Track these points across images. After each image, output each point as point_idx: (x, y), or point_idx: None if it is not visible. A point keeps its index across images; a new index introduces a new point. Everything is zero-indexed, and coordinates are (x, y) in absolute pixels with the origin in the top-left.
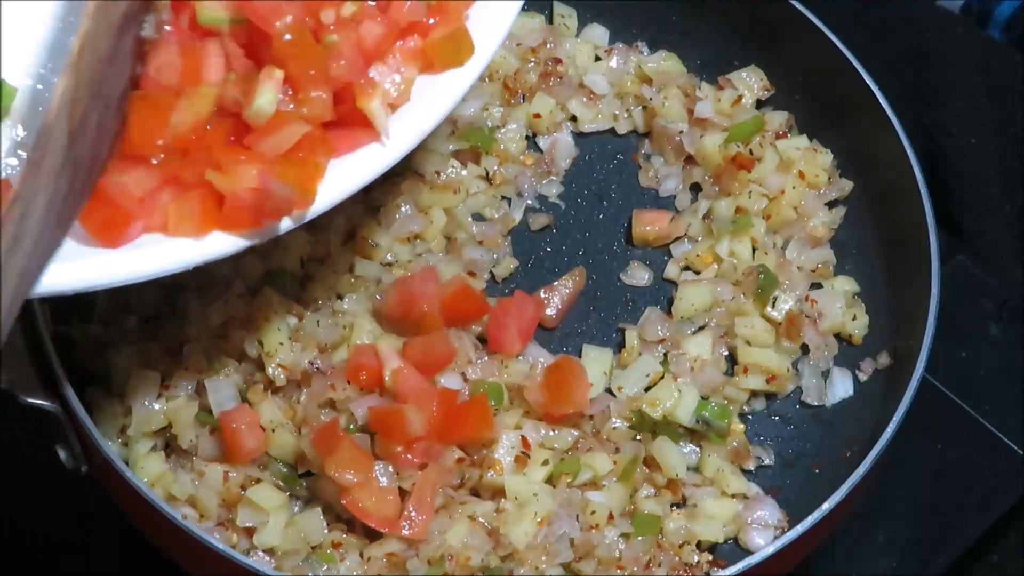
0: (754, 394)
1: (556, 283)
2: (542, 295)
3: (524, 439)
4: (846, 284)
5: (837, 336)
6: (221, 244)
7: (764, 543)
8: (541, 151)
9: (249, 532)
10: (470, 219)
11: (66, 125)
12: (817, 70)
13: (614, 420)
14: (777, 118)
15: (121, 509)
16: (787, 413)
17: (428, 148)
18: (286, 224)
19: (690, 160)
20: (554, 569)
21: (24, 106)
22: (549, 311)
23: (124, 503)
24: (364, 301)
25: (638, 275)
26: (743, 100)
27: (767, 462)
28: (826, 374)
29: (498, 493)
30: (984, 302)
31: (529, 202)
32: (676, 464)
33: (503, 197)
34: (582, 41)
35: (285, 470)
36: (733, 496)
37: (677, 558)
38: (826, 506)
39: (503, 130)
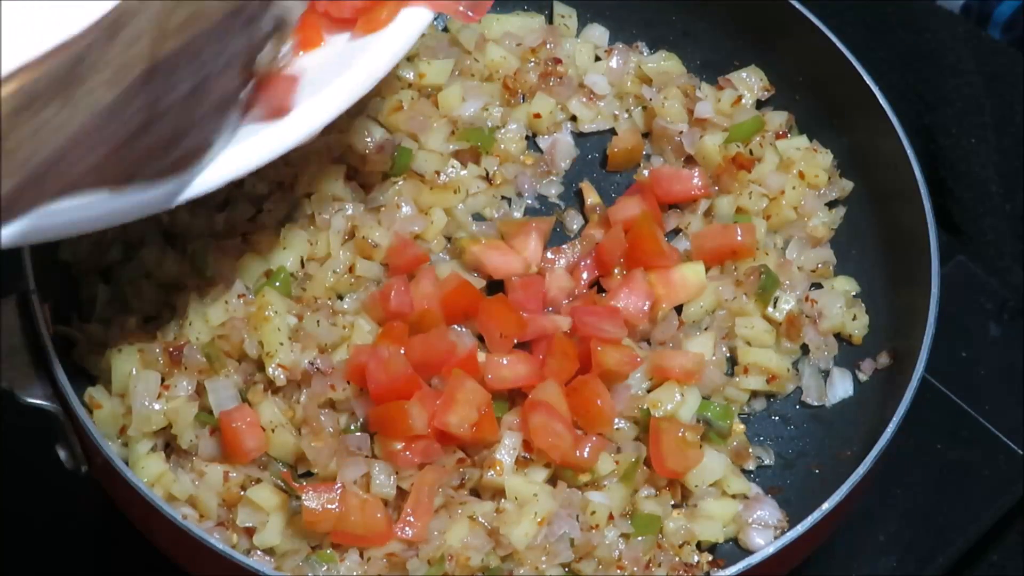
0: (754, 394)
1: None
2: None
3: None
4: (846, 284)
5: (837, 336)
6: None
7: (764, 543)
8: (541, 151)
9: (249, 532)
10: (470, 219)
11: (149, 42)
12: (817, 70)
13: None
14: (777, 118)
15: (121, 509)
16: (787, 413)
17: (428, 148)
18: None
19: (690, 160)
20: (554, 569)
21: None
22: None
23: (124, 503)
24: (364, 301)
25: None
26: (743, 100)
27: (767, 462)
28: (826, 374)
29: (498, 493)
30: (984, 302)
31: (529, 202)
32: None
33: (503, 197)
34: (582, 41)
35: (285, 470)
36: (733, 496)
37: (677, 558)
38: (826, 506)
39: (503, 130)
